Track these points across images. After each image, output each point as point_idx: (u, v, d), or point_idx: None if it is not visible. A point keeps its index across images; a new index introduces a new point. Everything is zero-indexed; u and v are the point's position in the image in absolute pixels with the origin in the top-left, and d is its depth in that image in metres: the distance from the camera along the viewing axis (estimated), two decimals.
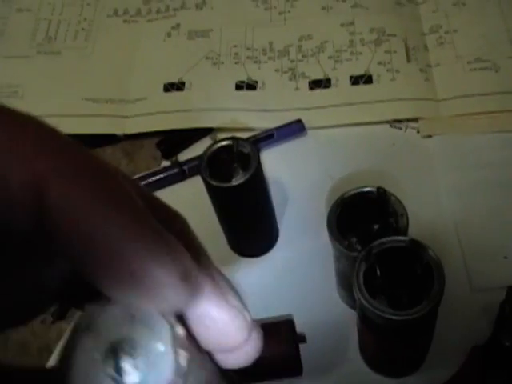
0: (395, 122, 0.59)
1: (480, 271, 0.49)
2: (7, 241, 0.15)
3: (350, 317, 0.46)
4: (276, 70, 0.63)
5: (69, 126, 0.60)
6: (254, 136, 0.58)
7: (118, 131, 0.61)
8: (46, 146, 0.16)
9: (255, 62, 0.64)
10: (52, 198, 0.15)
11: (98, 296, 0.17)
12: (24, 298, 0.18)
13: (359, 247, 0.43)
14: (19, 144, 0.15)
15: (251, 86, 0.62)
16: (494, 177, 0.54)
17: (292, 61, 0.64)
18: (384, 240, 0.39)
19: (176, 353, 0.17)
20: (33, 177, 0.15)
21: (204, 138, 0.60)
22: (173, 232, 0.17)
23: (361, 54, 0.63)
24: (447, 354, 0.46)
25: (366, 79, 0.61)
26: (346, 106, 0.60)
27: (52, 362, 0.49)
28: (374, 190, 0.43)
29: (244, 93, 0.62)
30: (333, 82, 0.61)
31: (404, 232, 0.42)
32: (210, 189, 0.45)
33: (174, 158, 0.59)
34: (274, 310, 0.44)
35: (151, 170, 0.58)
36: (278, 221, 0.54)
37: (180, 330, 0.17)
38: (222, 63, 0.64)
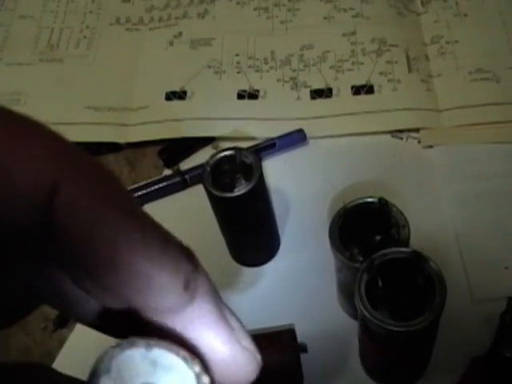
0: (396, 132, 0.59)
1: (481, 282, 0.49)
2: (8, 239, 0.16)
3: (351, 327, 0.46)
4: (278, 80, 0.63)
5: (71, 134, 0.59)
6: (255, 145, 0.58)
7: (120, 139, 0.61)
8: (51, 148, 0.16)
9: (257, 71, 0.64)
10: (61, 200, 0.15)
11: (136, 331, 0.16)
12: (15, 298, 0.18)
13: (361, 258, 0.43)
14: (27, 144, 0.15)
15: (253, 95, 0.63)
16: (496, 187, 0.54)
17: (294, 70, 0.64)
18: (386, 251, 0.39)
19: None
20: (43, 177, 0.15)
21: (206, 146, 0.60)
22: None
23: (362, 64, 0.63)
24: (448, 365, 0.46)
25: (368, 89, 0.61)
26: (347, 115, 0.60)
27: None
28: (375, 200, 0.44)
29: (246, 102, 0.62)
30: (334, 91, 0.61)
31: (406, 243, 0.42)
32: (212, 198, 0.45)
33: (175, 167, 0.59)
34: (276, 320, 0.45)
35: (153, 179, 0.58)
36: (279, 230, 0.54)
37: (206, 379, 0.16)
38: (224, 72, 0.64)
